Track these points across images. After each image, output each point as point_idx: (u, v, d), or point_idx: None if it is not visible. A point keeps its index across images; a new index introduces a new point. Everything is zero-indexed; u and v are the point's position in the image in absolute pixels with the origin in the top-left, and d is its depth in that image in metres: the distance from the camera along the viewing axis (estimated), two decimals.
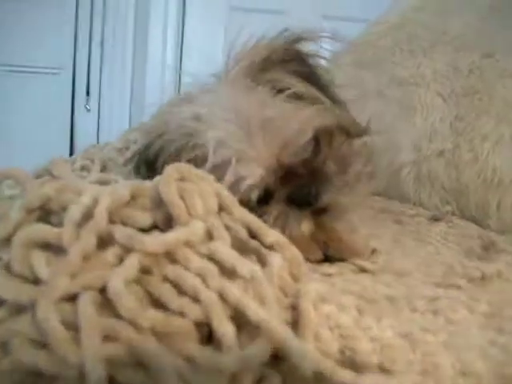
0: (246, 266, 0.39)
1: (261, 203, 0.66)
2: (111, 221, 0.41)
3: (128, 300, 0.35)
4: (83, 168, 0.86)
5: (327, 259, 0.71)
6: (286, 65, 0.70)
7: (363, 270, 0.68)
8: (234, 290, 0.37)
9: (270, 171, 0.65)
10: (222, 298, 0.37)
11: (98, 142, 2.85)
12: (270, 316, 0.36)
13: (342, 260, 0.71)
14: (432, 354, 0.45)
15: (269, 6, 2.68)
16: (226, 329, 0.36)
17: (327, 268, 0.67)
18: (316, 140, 0.68)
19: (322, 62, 0.77)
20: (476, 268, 0.72)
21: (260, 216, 0.64)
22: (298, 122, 0.65)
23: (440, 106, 1.20)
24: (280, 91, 0.68)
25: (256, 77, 0.69)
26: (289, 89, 0.68)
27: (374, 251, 0.76)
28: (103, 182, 0.75)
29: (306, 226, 0.67)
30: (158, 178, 0.44)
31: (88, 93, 2.87)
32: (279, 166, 0.65)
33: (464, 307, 0.61)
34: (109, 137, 2.59)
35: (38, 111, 2.80)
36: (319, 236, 0.70)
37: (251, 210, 0.59)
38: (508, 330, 0.57)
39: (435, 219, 1.05)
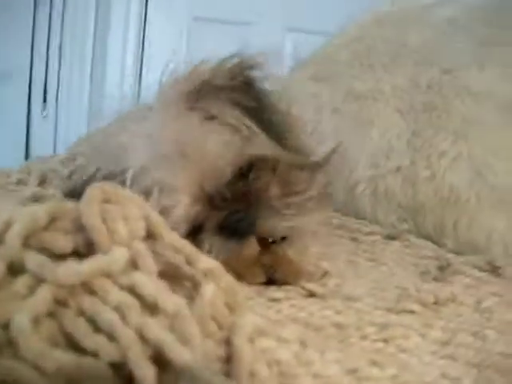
0: (169, 300, 0.35)
1: (191, 235, 0.62)
2: (27, 245, 0.37)
3: (31, 339, 0.31)
4: (19, 182, 0.81)
5: (273, 282, 0.68)
6: (228, 92, 0.66)
7: (312, 294, 0.65)
8: (155, 328, 0.33)
9: (195, 200, 0.63)
10: (141, 336, 0.33)
11: (54, 151, 2.80)
12: (193, 358, 0.32)
13: (288, 283, 0.67)
14: None
15: (232, 17, 2.63)
16: (145, 371, 0.32)
17: (274, 292, 0.64)
18: (249, 167, 0.65)
19: (273, 87, 0.73)
20: (430, 292, 0.70)
21: None
22: (218, 149, 0.62)
23: (398, 121, 1.18)
24: (211, 118, 0.65)
25: (190, 102, 0.65)
26: (219, 118, 0.64)
27: (325, 273, 0.73)
28: (37, 198, 0.72)
29: (248, 251, 0.64)
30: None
31: (45, 99, 2.80)
32: (204, 195, 0.63)
33: (417, 334, 0.59)
34: (66, 145, 2.53)
35: None
36: (264, 259, 0.66)
37: None
38: (460, 359, 0.55)
39: (391, 238, 1.03)
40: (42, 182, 0.81)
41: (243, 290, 0.62)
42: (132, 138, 0.66)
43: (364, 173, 1.18)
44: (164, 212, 0.59)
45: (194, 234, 0.63)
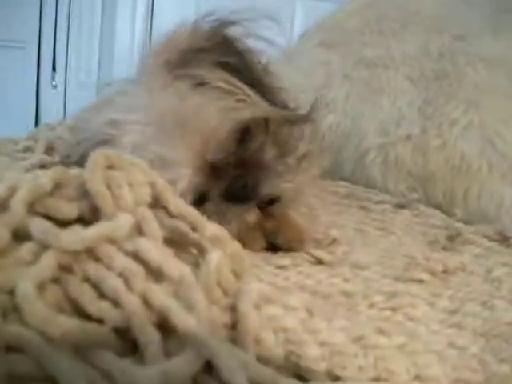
0: (174, 266, 0.35)
1: (196, 206, 0.62)
2: (31, 212, 0.37)
3: (36, 306, 0.31)
4: (27, 149, 0.81)
5: (277, 248, 0.68)
6: (210, 54, 0.64)
7: (320, 262, 0.65)
8: (159, 294, 0.33)
9: (198, 171, 0.61)
10: (146, 302, 0.33)
11: (64, 119, 2.79)
12: (198, 325, 0.32)
13: (292, 249, 0.67)
14: (386, 359, 0.43)
15: None
16: (149, 337, 0.32)
17: (281, 259, 0.63)
18: (246, 130, 0.64)
19: (256, 44, 0.71)
20: (439, 260, 0.69)
21: None
22: (216, 117, 0.61)
23: (408, 89, 1.17)
24: (200, 85, 0.63)
25: (174, 71, 0.63)
26: (208, 83, 0.63)
27: (333, 241, 0.72)
28: (44, 165, 0.71)
29: (250, 217, 0.64)
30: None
31: (54, 68, 2.79)
32: (206, 165, 0.62)
33: (425, 303, 0.59)
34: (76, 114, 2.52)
35: (2, 86, 2.72)
36: (267, 225, 0.66)
37: None
38: (468, 328, 0.55)
39: (400, 206, 1.02)
40: (49, 149, 0.81)
41: (250, 257, 0.62)
42: (123, 113, 0.64)
43: (374, 141, 1.17)
44: None
45: (199, 203, 0.62)
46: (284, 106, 0.69)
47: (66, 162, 0.70)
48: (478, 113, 1.05)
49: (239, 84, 0.64)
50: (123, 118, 0.63)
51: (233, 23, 0.68)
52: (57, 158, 0.76)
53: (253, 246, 0.65)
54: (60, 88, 2.82)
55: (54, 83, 2.82)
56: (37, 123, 2.82)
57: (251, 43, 0.69)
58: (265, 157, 0.64)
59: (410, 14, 1.28)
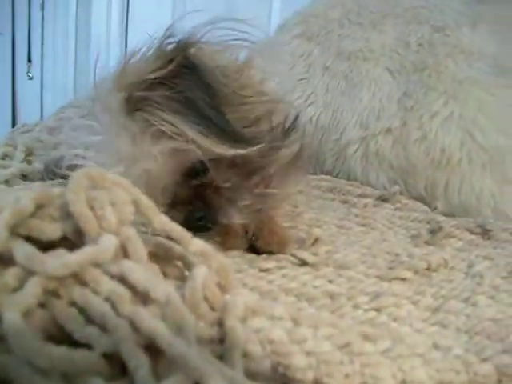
0: (160, 288, 0.35)
1: None
2: (14, 234, 0.37)
3: (23, 335, 0.31)
4: (5, 155, 0.80)
5: (257, 251, 0.68)
6: (167, 82, 0.63)
7: (304, 263, 0.65)
8: (147, 318, 0.33)
9: None
10: (134, 326, 0.33)
11: (41, 111, 2.76)
12: (186, 347, 0.32)
13: (271, 252, 0.68)
14: (371, 365, 0.43)
15: None
16: (138, 361, 0.32)
17: (265, 262, 0.64)
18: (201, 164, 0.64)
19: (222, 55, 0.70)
20: (422, 258, 0.70)
21: None
22: (162, 161, 0.61)
23: (388, 81, 1.17)
24: (151, 125, 0.62)
25: (128, 110, 0.62)
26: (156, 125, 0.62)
27: (316, 240, 0.73)
28: (25, 174, 0.71)
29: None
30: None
31: (30, 59, 2.75)
32: (160, 202, 0.61)
33: (408, 302, 0.59)
34: (53, 105, 2.49)
35: None
36: (249, 226, 0.67)
37: None
38: (451, 325, 0.56)
39: (383, 200, 1.03)
40: (28, 154, 0.80)
41: (234, 261, 0.63)
42: (80, 150, 0.65)
43: (354, 134, 1.17)
44: None
45: None
46: (259, 125, 0.68)
47: (45, 169, 0.71)
48: (458, 105, 1.06)
49: (184, 127, 0.62)
50: (82, 154, 0.64)
51: (194, 43, 0.67)
52: (36, 165, 0.76)
53: (233, 246, 0.66)
54: (36, 79, 2.78)
55: (29, 75, 2.77)
56: (13, 115, 2.79)
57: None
58: (223, 184, 0.64)
59: (389, 6, 1.28)
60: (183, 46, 0.66)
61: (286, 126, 0.72)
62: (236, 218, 0.65)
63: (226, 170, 0.65)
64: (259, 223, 0.68)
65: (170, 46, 0.66)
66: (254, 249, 0.69)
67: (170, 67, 0.64)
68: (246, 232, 0.67)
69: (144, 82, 0.63)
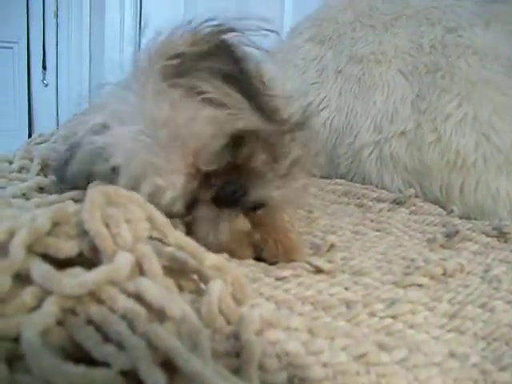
0: (176, 306, 0.35)
1: (187, 209, 0.64)
2: (31, 252, 0.37)
3: (41, 354, 0.31)
4: (22, 168, 0.81)
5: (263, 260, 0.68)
6: (206, 61, 0.65)
7: (319, 271, 0.65)
8: (163, 335, 0.33)
9: (189, 179, 0.62)
10: (150, 344, 0.33)
11: (57, 117, 2.78)
12: (202, 364, 0.32)
13: (277, 262, 0.67)
14: (388, 375, 0.43)
15: None
16: (156, 379, 0.32)
17: (281, 271, 0.64)
18: (238, 138, 0.64)
19: (252, 51, 0.71)
20: (438, 263, 0.70)
21: (187, 223, 0.63)
22: (207, 129, 0.61)
23: (401, 83, 1.17)
24: (194, 94, 0.62)
25: (169, 79, 0.63)
26: (202, 93, 0.62)
27: (331, 246, 0.73)
28: (41, 187, 0.72)
29: (239, 224, 0.64)
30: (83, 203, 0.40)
31: (44, 67, 2.78)
32: (197, 172, 0.62)
33: (425, 308, 0.59)
34: (68, 112, 2.51)
35: None
36: (256, 236, 0.67)
37: (177, 218, 0.61)
38: (468, 332, 0.55)
39: (398, 203, 1.03)
40: (44, 166, 0.81)
41: (250, 270, 0.63)
42: (117, 120, 0.64)
43: (368, 137, 1.17)
44: (159, 192, 0.60)
45: (190, 207, 0.64)
46: (275, 116, 0.69)
47: (58, 171, 0.72)
48: (472, 106, 1.06)
49: (233, 95, 0.64)
50: (118, 124, 0.64)
51: (231, 30, 0.68)
52: (52, 177, 0.76)
53: (241, 255, 0.66)
54: (51, 86, 2.81)
55: (45, 82, 2.80)
56: (30, 121, 2.82)
57: (247, 50, 0.70)
58: (255, 163, 0.65)
59: (400, 7, 1.28)
60: (220, 30, 0.67)
61: (302, 117, 0.73)
62: (267, 196, 0.65)
63: (258, 150, 0.66)
64: (264, 234, 0.68)
65: (207, 30, 0.67)
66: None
67: (208, 46, 0.65)
68: (253, 241, 0.68)
69: (183, 54, 0.64)
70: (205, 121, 0.61)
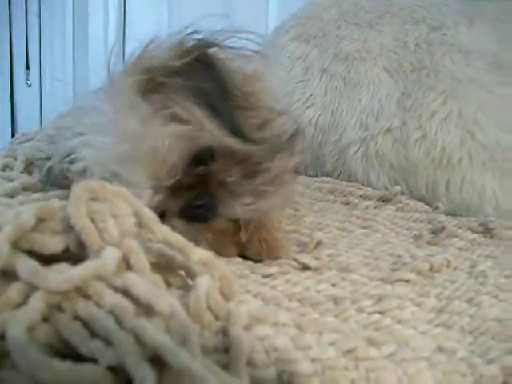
0: (164, 300, 0.35)
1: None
2: (17, 248, 0.37)
3: (27, 351, 0.31)
4: (6, 166, 0.80)
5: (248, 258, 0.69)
6: (178, 77, 0.64)
7: (306, 268, 0.65)
8: (151, 330, 0.33)
9: (155, 191, 0.62)
10: (138, 339, 0.33)
11: (41, 118, 2.76)
12: (191, 359, 0.32)
13: (261, 260, 0.68)
14: (377, 370, 0.43)
15: None
16: (144, 374, 0.32)
17: (268, 268, 0.64)
18: (208, 152, 0.65)
19: (234, 63, 0.72)
20: (425, 259, 0.70)
21: None
22: (170, 143, 0.61)
23: (386, 81, 1.17)
24: (164, 108, 0.63)
25: (141, 92, 0.63)
26: (169, 108, 0.63)
27: (318, 243, 0.73)
28: (26, 188, 0.71)
29: (220, 225, 0.65)
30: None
31: (27, 67, 2.75)
32: (162, 185, 0.63)
33: (412, 304, 0.59)
34: (52, 112, 2.49)
35: None
36: (239, 234, 0.67)
37: None
38: (455, 326, 0.56)
39: (384, 200, 1.03)
40: (28, 165, 0.80)
41: (236, 267, 0.63)
42: (87, 131, 0.65)
43: (354, 134, 1.17)
44: None
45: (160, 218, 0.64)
46: (260, 132, 0.69)
47: (44, 180, 0.73)
48: (457, 103, 1.06)
49: (199, 113, 0.63)
50: (89, 138, 0.64)
51: (214, 44, 0.68)
52: (37, 175, 0.76)
53: (224, 253, 0.65)
54: (35, 86, 2.79)
55: (28, 82, 2.78)
56: (13, 122, 2.79)
57: (231, 65, 0.70)
58: (228, 178, 0.65)
59: (385, 5, 1.28)
60: (203, 44, 0.68)
61: (289, 135, 0.72)
62: (237, 212, 0.65)
63: (231, 165, 0.66)
64: (249, 232, 0.68)
65: (191, 43, 0.68)
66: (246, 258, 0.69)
67: (188, 60, 0.65)
68: (237, 240, 0.68)
69: (160, 68, 0.64)
70: (167, 136, 0.61)
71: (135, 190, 0.60)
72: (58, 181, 0.69)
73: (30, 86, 2.78)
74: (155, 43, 0.67)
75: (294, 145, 0.72)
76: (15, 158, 0.82)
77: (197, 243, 0.60)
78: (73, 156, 0.65)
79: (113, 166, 0.62)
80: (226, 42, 0.69)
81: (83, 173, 0.63)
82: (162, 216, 0.63)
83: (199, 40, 0.68)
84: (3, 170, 0.79)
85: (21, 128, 2.73)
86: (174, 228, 0.61)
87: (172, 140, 0.61)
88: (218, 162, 0.65)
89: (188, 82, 0.64)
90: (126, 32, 2.63)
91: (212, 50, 0.68)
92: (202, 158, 0.64)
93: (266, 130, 0.71)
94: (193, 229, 0.63)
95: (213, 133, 0.63)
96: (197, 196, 0.64)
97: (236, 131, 0.65)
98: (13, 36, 2.71)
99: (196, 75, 0.65)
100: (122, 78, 0.66)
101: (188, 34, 0.68)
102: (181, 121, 0.62)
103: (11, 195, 0.68)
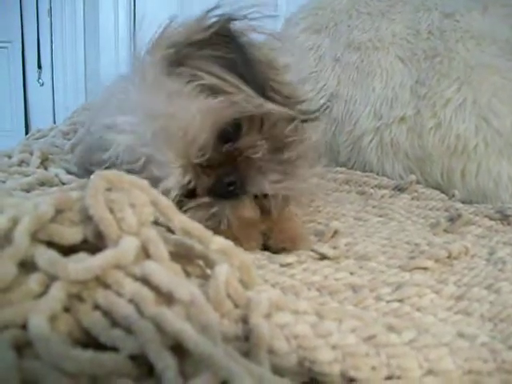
0: (184, 288, 0.34)
1: (187, 198, 0.64)
2: (36, 240, 0.37)
3: (49, 340, 0.31)
4: (22, 162, 0.80)
5: (269, 249, 0.68)
6: (204, 49, 0.65)
7: (324, 257, 0.65)
8: (172, 318, 0.33)
9: (185, 170, 0.63)
10: (159, 327, 0.33)
11: (54, 116, 2.78)
12: (212, 346, 0.32)
13: (282, 250, 0.67)
14: (398, 356, 0.43)
15: None
16: (165, 362, 0.32)
17: (286, 257, 0.64)
18: (236, 129, 0.65)
19: (258, 38, 0.72)
20: (442, 246, 0.69)
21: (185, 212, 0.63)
22: (198, 119, 0.61)
23: (400, 69, 1.16)
24: (192, 81, 0.63)
25: (168, 68, 0.64)
26: (200, 79, 0.63)
27: (335, 232, 0.72)
28: (42, 182, 0.71)
29: (248, 212, 0.65)
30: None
31: (39, 66, 2.77)
32: (192, 163, 0.63)
33: (431, 291, 0.59)
34: (65, 110, 2.51)
35: None
36: (262, 225, 0.68)
37: None
38: (475, 313, 0.55)
39: (399, 189, 1.02)
40: (44, 160, 0.80)
41: (254, 258, 0.62)
42: (117, 115, 0.65)
43: (368, 124, 1.16)
44: (155, 182, 0.59)
45: (188, 197, 0.64)
46: (286, 102, 0.69)
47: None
48: (471, 90, 1.05)
49: (232, 80, 0.64)
50: (116, 119, 0.64)
51: (237, 19, 0.68)
52: (52, 169, 0.77)
53: (249, 243, 0.65)
54: (47, 85, 2.80)
55: (40, 81, 2.79)
56: (26, 121, 2.81)
57: (254, 37, 0.70)
58: (254, 154, 0.65)
59: None
60: (225, 19, 0.68)
61: (317, 106, 0.73)
62: (265, 189, 0.65)
63: (258, 140, 0.66)
64: (270, 223, 0.68)
65: (213, 18, 0.68)
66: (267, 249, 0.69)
67: (212, 32, 0.66)
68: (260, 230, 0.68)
69: (185, 42, 0.65)
70: (195, 113, 0.61)
71: (165, 170, 0.61)
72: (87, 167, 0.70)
73: (42, 84, 2.80)
74: (174, 24, 0.67)
75: (320, 117, 0.72)
76: (31, 154, 0.82)
77: (228, 222, 0.62)
78: (100, 145, 0.66)
79: (142, 147, 0.62)
80: (247, 18, 0.69)
81: (112, 162, 0.64)
82: (193, 194, 0.64)
83: (221, 14, 0.68)
84: (19, 165, 0.80)
85: (34, 127, 2.74)
86: (204, 206, 0.61)
87: (200, 116, 0.61)
88: (244, 138, 0.65)
89: (215, 53, 0.65)
90: (137, 25, 2.63)
91: (233, 24, 0.68)
92: (229, 134, 0.64)
93: (293, 98, 0.71)
94: (223, 206, 0.64)
95: (246, 99, 0.63)
96: (225, 173, 0.64)
97: (271, 98, 0.66)
98: (24, 36, 2.72)
99: (221, 47, 0.66)
100: (146, 56, 0.66)
101: (208, 11, 0.68)
102: (209, 92, 0.62)
103: (27, 190, 0.68)
